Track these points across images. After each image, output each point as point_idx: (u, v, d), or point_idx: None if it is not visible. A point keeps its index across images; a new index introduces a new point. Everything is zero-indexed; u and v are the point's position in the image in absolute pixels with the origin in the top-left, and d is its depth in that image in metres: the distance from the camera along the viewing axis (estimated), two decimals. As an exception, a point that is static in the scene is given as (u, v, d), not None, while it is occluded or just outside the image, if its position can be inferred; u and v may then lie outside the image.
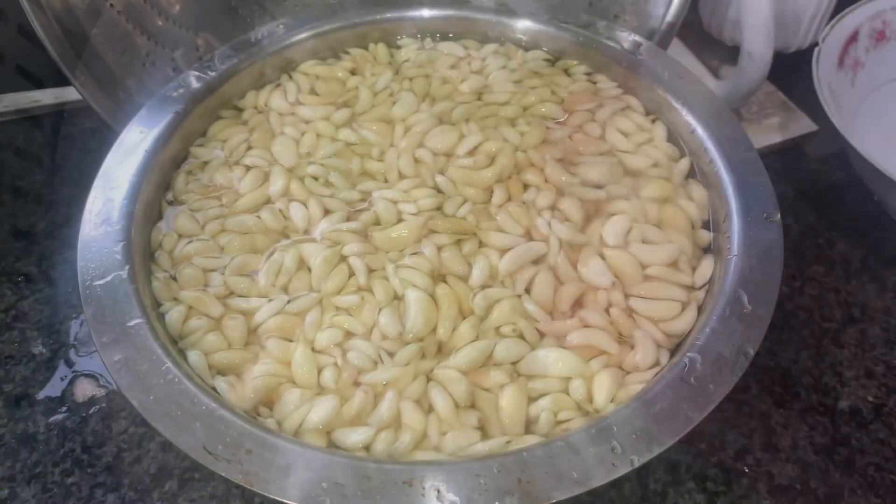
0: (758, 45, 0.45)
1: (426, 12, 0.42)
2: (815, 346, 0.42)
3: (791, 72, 0.54)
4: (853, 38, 0.50)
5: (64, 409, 0.40)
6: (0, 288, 0.46)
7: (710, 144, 0.34)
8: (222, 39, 0.47)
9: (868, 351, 0.42)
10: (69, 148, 0.55)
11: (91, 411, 0.40)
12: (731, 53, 0.55)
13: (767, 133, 0.52)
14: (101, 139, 0.55)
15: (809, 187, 0.51)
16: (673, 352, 0.29)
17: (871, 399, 0.40)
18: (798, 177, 0.51)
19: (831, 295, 0.45)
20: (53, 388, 0.41)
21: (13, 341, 0.43)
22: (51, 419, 0.40)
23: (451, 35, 0.42)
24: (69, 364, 0.42)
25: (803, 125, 0.53)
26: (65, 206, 0.51)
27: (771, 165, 0.51)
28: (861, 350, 0.42)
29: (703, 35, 0.56)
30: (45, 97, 0.56)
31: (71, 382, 0.41)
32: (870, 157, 0.42)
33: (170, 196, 0.35)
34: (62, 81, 0.40)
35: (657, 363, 0.29)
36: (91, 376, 0.42)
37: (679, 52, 0.56)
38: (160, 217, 0.34)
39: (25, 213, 0.50)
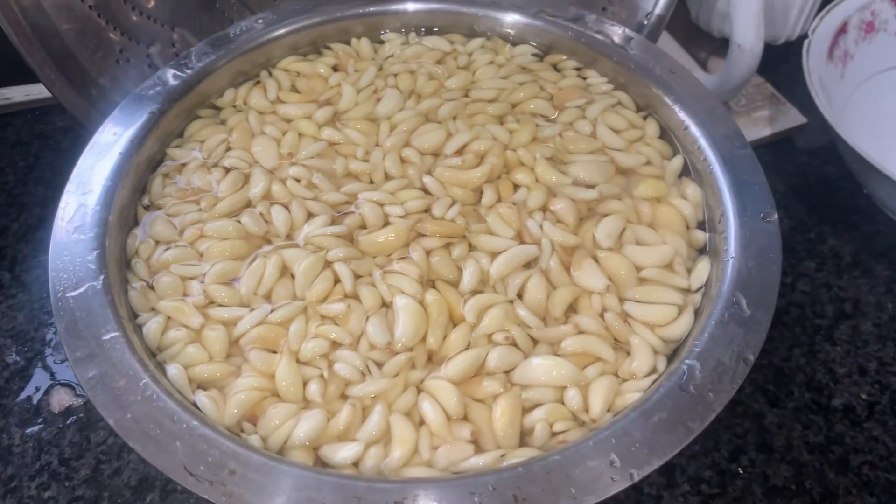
0: (748, 38, 0.44)
1: (410, 6, 0.40)
2: (808, 343, 0.42)
3: (780, 63, 0.53)
4: (842, 29, 0.50)
5: (40, 420, 0.39)
6: (-29, 294, 0.44)
7: (703, 142, 0.33)
8: (199, 35, 0.45)
9: (861, 347, 0.42)
10: (42, 147, 0.53)
11: (68, 422, 0.38)
12: (720, 45, 0.55)
13: (757, 126, 0.52)
14: (74, 138, 0.53)
15: (800, 181, 0.50)
16: (670, 357, 0.29)
17: (864, 396, 0.40)
18: (788, 170, 0.51)
19: (823, 290, 0.45)
20: (28, 399, 0.39)
21: (-14, 350, 0.42)
22: (26, 430, 0.38)
23: (436, 29, 0.41)
24: (44, 373, 0.41)
25: (792, 118, 0.52)
26: (38, 208, 0.49)
27: (761, 158, 0.51)
28: (854, 347, 0.42)
29: (691, 27, 0.55)
30: (16, 94, 0.54)
31: (46, 392, 0.40)
32: (860, 149, 0.41)
33: (146, 200, 0.34)
34: (32, 78, 0.39)
35: (654, 370, 0.28)
36: (68, 385, 0.40)
37: (667, 44, 0.55)
38: (136, 222, 0.33)
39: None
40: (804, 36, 0.48)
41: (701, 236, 0.32)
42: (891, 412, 0.39)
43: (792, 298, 0.44)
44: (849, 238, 0.47)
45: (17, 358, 0.41)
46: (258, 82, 0.39)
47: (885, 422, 0.39)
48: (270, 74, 0.39)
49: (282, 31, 0.39)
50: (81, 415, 0.39)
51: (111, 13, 0.43)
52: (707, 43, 0.55)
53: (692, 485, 0.36)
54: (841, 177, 0.49)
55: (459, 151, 0.35)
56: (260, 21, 0.39)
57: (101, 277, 0.28)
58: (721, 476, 0.36)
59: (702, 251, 0.32)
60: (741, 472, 0.37)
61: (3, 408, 0.39)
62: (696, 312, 0.30)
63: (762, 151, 0.52)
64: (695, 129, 0.34)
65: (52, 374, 0.41)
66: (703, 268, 0.31)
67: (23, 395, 0.40)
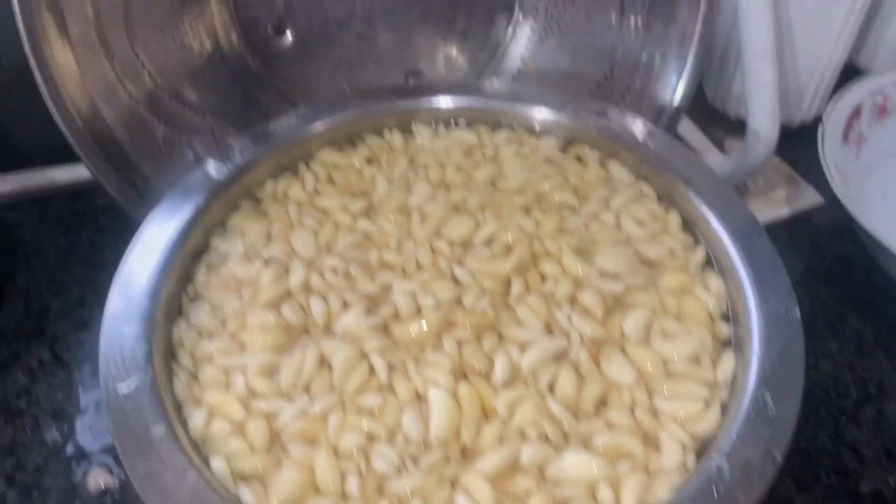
0: (764, 125, 0.46)
1: (440, 101, 0.43)
2: (833, 425, 0.42)
3: (796, 144, 0.55)
4: (856, 113, 0.51)
5: (77, 501, 0.39)
6: (13, 372, 0.46)
7: (724, 235, 0.35)
8: (240, 125, 0.48)
9: (886, 430, 0.42)
10: (82, 226, 0.55)
11: (104, 502, 0.39)
12: (736, 126, 0.56)
13: (774, 206, 0.53)
14: (114, 217, 0.56)
15: (819, 260, 0.51)
16: (698, 453, 0.29)
17: (891, 481, 0.40)
18: (807, 249, 0.52)
19: (846, 371, 0.45)
20: (66, 478, 0.40)
21: (26, 428, 0.43)
22: (64, 511, 0.39)
23: (464, 122, 0.43)
24: (82, 452, 0.42)
25: (810, 197, 0.53)
26: (78, 287, 0.51)
27: (779, 237, 0.52)
28: (879, 429, 0.42)
29: (708, 108, 0.57)
30: (60, 175, 0.56)
31: (84, 472, 0.41)
32: (878, 234, 0.42)
33: (191, 290, 0.35)
34: (75, 158, 0.41)
35: (684, 466, 0.28)
36: (104, 465, 0.41)
37: (684, 125, 0.57)
38: (181, 313, 0.34)
39: (38, 294, 0.50)
40: (819, 118, 0.50)
41: (725, 329, 0.33)
42: (920, 500, 0.39)
43: (816, 379, 0.45)
44: (870, 318, 0.47)
45: (57, 437, 0.42)
46: (297, 174, 0.41)
47: (915, 509, 0.38)
48: (308, 167, 0.41)
49: (319, 126, 0.41)
50: (117, 496, 0.40)
51: (157, 106, 0.45)
52: (724, 124, 0.57)
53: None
54: (860, 255, 0.50)
55: (488, 242, 0.37)
56: (299, 116, 0.41)
57: (149, 371, 0.30)
58: (751, 565, 0.36)
59: (726, 343, 0.33)
60: (771, 560, 0.36)
61: (40, 487, 0.40)
62: (723, 407, 0.30)
63: (780, 231, 0.53)
64: (715, 223, 0.35)
65: (90, 455, 0.42)
66: (727, 361, 0.32)
67: (60, 475, 0.41)
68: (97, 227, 0.55)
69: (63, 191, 0.57)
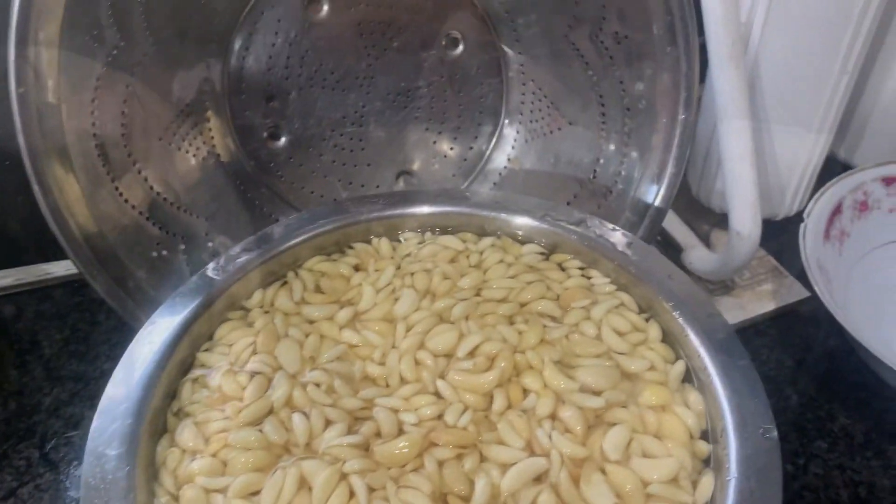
0: (746, 225, 0.47)
1: (426, 209, 0.44)
2: (825, 532, 0.42)
3: (781, 236, 0.56)
4: (837, 210, 0.52)
5: None
6: (0, 473, 0.46)
7: (703, 351, 0.35)
8: (235, 225, 0.49)
9: (879, 538, 0.42)
10: (78, 319, 0.56)
11: None
12: (721, 219, 0.57)
13: (761, 300, 0.54)
14: (109, 310, 0.56)
15: (806, 355, 0.52)
16: (678, 584, 0.29)
17: None
18: (794, 344, 0.52)
19: (836, 473, 0.45)
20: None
21: (10, 534, 0.43)
22: None
23: (450, 229, 0.44)
24: (66, 560, 0.41)
25: (795, 292, 0.54)
26: (71, 382, 0.51)
27: (766, 332, 0.53)
28: (872, 537, 0.42)
29: (693, 202, 0.59)
30: (57, 269, 0.58)
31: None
32: (860, 336, 0.43)
33: (175, 406, 0.36)
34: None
35: None
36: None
37: (669, 219, 0.58)
38: (165, 429, 0.35)
39: (31, 390, 0.51)
40: (802, 211, 0.51)
41: (705, 448, 0.33)
42: None
43: (805, 482, 0.44)
44: (859, 416, 0.47)
45: (41, 544, 0.42)
46: (285, 283, 0.42)
47: None
48: (297, 275, 0.42)
49: (310, 233, 0.42)
50: None
51: (153, 211, 0.46)
52: (709, 217, 0.58)
53: None
54: (847, 350, 0.50)
55: (471, 353, 0.37)
56: (289, 224, 0.43)
57: (131, 496, 0.30)
58: None
59: (706, 461, 0.33)
60: None
61: None
62: (703, 533, 0.30)
63: (768, 325, 0.54)
64: (694, 338, 0.36)
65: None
66: (707, 483, 0.32)
67: (43, 586, 0.40)
68: (93, 321, 0.56)
69: (60, 284, 0.58)
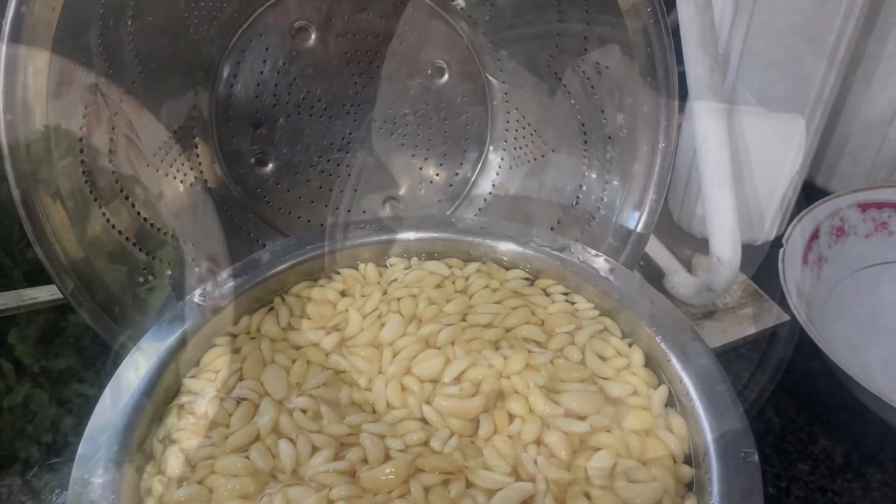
0: (726, 252, 0.48)
1: (412, 234, 0.44)
2: (808, 555, 0.42)
3: (761, 261, 0.57)
4: (815, 235, 0.54)
5: None
6: (-20, 503, 0.45)
7: (684, 375, 0.36)
8: (222, 251, 0.49)
9: (860, 561, 0.42)
10: (62, 345, 0.56)
11: None
12: (703, 244, 0.59)
13: (742, 324, 0.54)
14: (94, 336, 0.56)
15: (787, 377, 0.52)
16: None
17: None
18: (775, 367, 0.53)
19: (818, 496, 0.45)
20: None
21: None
22: None
23: (436, 254, 0.45)
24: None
25: (776, 315, 0.55)
26: (54, 408, 0.51)
27: (747, 355, 0.54)
28: (853, 560, 0.42)
29: (674, 227, 0.60)
30: (42, 294, 0.57)
31: None
32: (838, 359, 0.43)
33: (161, 433, 0.36)
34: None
35: None
36: None
37: (651, 244, 0.59)
38: (151, 456, 0.35)
39: (13, 418, 0.50)
40: (781, 236, 0.52)
41: (687, 472, 0.34)
42: None
43: (788, 505, 0.45)
44: (839, 438, 0.48)
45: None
46: (272, 308, 0.42)
47: None
48: (283, 300, 0.42)
49: (297, 259, 0.43)
50: None
51: (140, 237, 0.47)
52: (691, 242, 0.59)
53: None
54: (827, 373, 0.51)
55: (457, 379, 0.38)
56: (277, 250, 0.43)
57: (115, 526, 0.30)
58: None
59: (688, 485, 0.34)
60: None
61: None
62: (686, 557, 0.30)
63: (749, 348, 0.54)
64: (676, 362, 0.36)
65: None
66: (690, 507, 0.32)
67: None
68: (78, 346, 0.56)
69: (45, 309, 0.58)
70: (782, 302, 0.55)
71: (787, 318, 0.55)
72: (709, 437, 0.33)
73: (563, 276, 0.42)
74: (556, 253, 0.43)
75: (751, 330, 0.54)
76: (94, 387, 0.52)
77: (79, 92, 0.42)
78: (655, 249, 0.58)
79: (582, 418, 0.36)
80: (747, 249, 0.50)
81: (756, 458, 0.32)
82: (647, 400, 0.37)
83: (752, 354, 0.54)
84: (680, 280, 0.55)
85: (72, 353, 0.55)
